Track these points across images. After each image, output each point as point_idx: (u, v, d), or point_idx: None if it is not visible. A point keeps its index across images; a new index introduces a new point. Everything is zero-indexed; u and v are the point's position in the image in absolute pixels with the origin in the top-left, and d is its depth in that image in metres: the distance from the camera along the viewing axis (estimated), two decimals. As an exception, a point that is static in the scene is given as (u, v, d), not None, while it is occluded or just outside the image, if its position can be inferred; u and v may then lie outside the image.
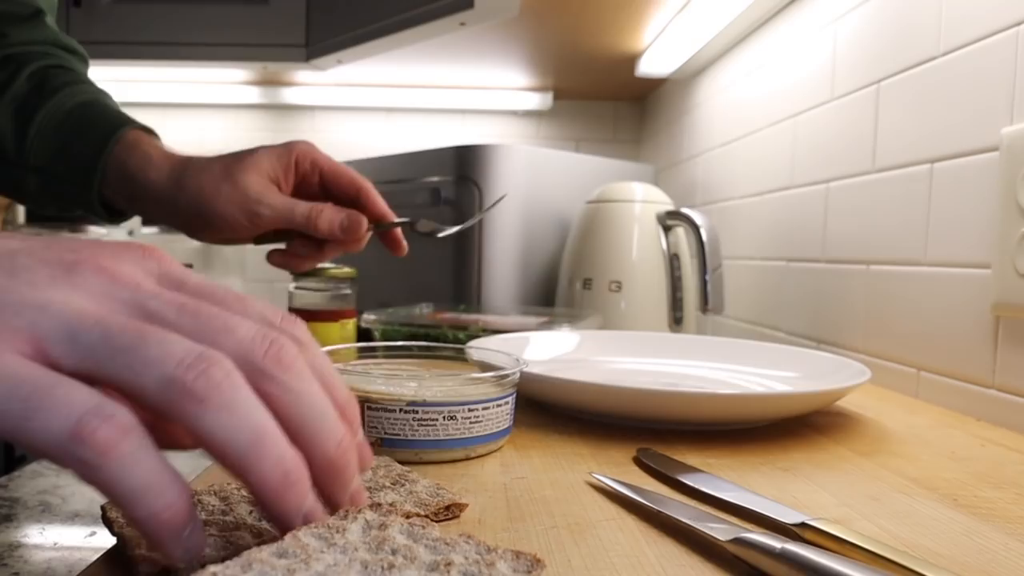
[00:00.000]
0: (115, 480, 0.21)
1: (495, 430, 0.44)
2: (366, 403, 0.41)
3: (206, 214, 0.58)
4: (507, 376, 0.45)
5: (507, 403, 0.45)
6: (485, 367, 0.50)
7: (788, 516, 0.33)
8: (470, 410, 0.42)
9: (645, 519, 0.34)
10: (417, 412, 0.41)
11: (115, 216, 0.65)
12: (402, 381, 0.44)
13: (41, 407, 0.20)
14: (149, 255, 0.26)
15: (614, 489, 0.37)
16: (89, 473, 0.20)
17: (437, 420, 0.41)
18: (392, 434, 0.41)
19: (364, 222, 0.60)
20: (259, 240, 0.62)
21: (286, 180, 0.59)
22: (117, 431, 0.21)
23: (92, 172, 0.60)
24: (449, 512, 0.33)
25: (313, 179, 0.61)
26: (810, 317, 0.92)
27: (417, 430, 0.41)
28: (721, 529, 0.31)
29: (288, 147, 0.60)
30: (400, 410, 0.41)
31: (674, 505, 0.34)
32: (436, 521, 0.32)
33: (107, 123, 0.61)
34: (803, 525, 0.31)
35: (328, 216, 0.58)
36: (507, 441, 0.47)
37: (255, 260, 1.81)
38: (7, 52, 0.63)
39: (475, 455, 0.43)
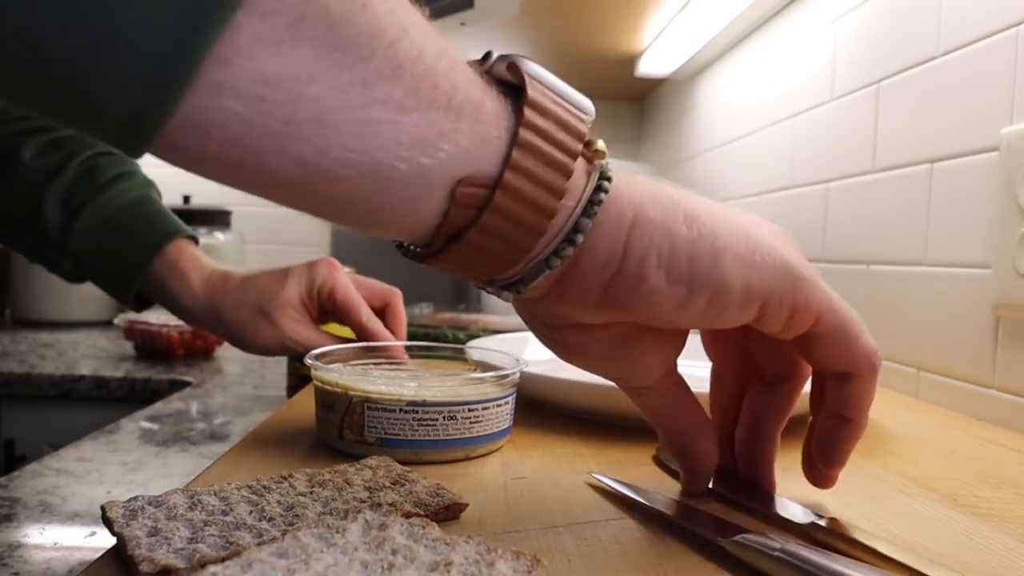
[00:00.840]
0: (873, 386, 0.33)
1: (495, 430, 0.44)
2: (366, 403, 0.41)
3: (241, 343, 0.63)
4: (507, 376, 0.45)
5: (507, 403, 0.45)
6: (485, 367, 0.49)
7: (799, 516, 0.33)
8: (470, 410, 0.42)
9: (645, 519, 0.34)
10: (417, 412, 0.41)
11: (146, 305, 0.67)
12: (402, 381, 0.44)
13: (864, 331, 0.32)
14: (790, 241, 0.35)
15: (614, 489, 0.37)
16: (870, 378, 0.32)
17: (437, 420, 0.41)
18: (392, 434, 0.41)
19: None
20: None
21: (311, 305, 0.62)
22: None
23: (131, 282, 0.63)
24: (449, 512, 0.33)
25: (328, 307, 0.63)
26: (810, 317, 0.91)
27: (417, 430, 0.41)
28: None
29: (311, 273, 0.61)
30: (400, 410, 0.41)
31: (674, 505, 0.34)
32: (436, 521, 0.33)
33: (150, 235, 0.63)
34: (813, 525, 0.31)
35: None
36: (507, 441, 0.47)
37: (254, 260, 1.80)
38: (57, 135, 0.64)
39: (475, 455, 0.43)
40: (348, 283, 0.62)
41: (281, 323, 0.61)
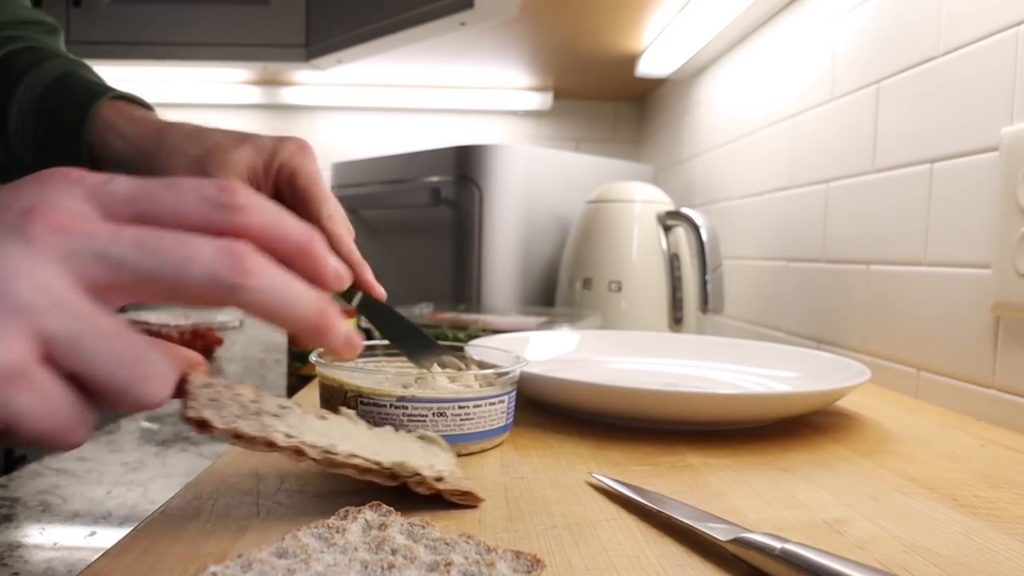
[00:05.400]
0: None
1: (488, 428, 0.44)
2: (359, 397, 0.42)
3: None
4: (504, 374, 0.45)
5: (503, 402, 0.45)
6: (484, 366, 0.50)
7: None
8: (460, 407, 0.42)
9: (645, 519, 0.34)
10: (407, 407, 0.41)
11: None
12: (396, 377, 0.44)
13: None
14: (71, 181, 0.26)
15: (614, 489, 0.37)
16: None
17: (426, 416, 0.42)
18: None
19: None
20: None
21: (265, 184, 0.51)
22: None
23: (78, 150, 0.55)
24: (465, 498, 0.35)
25: (286, 194, 0.51)
26: (810, 317, 0.92)
27: (406, 425, 0.41)
28: (721, 529, 0.31)
29: (276, 148, 0.52)
30: (391, 405, 0.41)
31: (674, 505, 0.34)
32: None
33: (78, 105, 0.55)
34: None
35: None
36: (507, 440, 0.47)
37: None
38: None
39: (467, 452, 0.43)
40: (317, 172, 0.51)
41: None
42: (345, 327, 0.29)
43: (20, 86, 0.57)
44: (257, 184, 0.51)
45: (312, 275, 0.29)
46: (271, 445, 0.30)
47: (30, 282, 0.23)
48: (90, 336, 0.24)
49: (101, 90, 0.57)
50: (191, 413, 0.29)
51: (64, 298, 0.23)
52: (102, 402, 0.25)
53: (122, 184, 0.26)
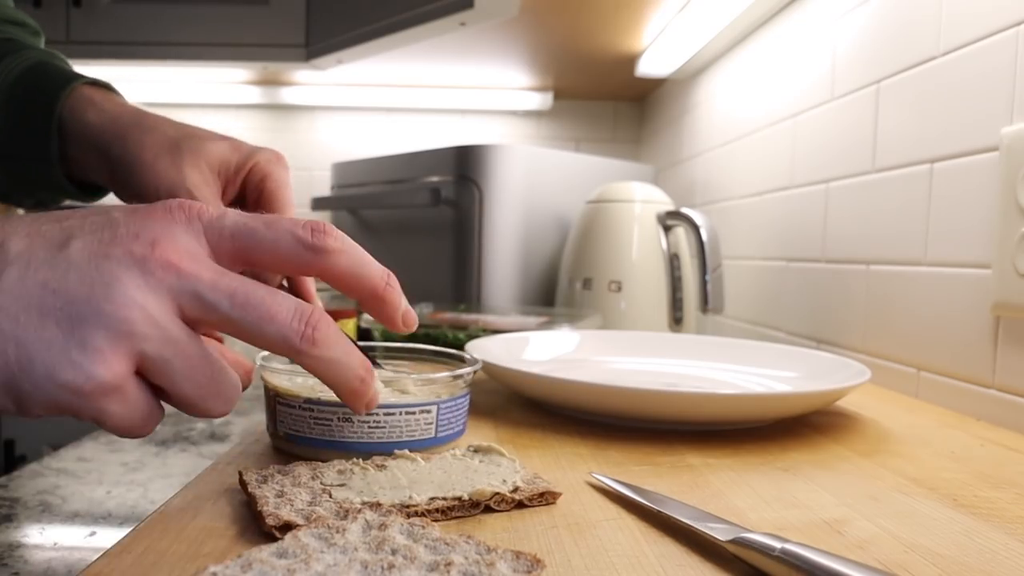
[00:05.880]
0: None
1: (406, 439, 0.41)
2: (276, 398, 0.42)
3: (129, 175, 0.51)
4: (456, 378, 0.43)
5: (428, 412, 0.41)
6: (448, 368, 0.47)
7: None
8: (368, 414, 0.40)
9: (645, 519, 0.34)
10: (313, 410, 0.40)
11: (91, 192, 0.59)
12: (312, 380, 0.43)
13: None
14: (192, 216, 0.30)
15: (614, 489, 0.37)
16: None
17: (332, 420, 0.40)
18: (295, 430, 0.41)
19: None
20: None
21: (231, 182, 0.53)
22: None
23: (46, 144, 0.54)
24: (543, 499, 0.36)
25: (252, 196, 0.52)
26: (810, 317, 0.92)
27: (314, 428, 0.40)
28: (721, 529, 0.31)
29: (253, 151, 0.53)
30: (299, 407, 0.41)
31: (674, 505, 0.34)
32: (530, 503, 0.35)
33: (52, 85, 0.55)
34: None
35: None
36: (508, 440, 0.47)
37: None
38: None
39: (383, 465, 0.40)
40: (287, 180, 0.53)
41: (185, 168, 0.50)
42: (372, 392, 0.34)
43: None
44: (226, 178, 0.53)
45: (384, 317, 0.35)
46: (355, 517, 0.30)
47: (142, 313, 0.28)
48: (179, 360, 0.29)
49: (78, 76, 0.57)
50: (271, 521, 0.30)
51: (164, 327, 0.28)
52: (174, 406, 0.30)
53: (230, 219, 0.31)
